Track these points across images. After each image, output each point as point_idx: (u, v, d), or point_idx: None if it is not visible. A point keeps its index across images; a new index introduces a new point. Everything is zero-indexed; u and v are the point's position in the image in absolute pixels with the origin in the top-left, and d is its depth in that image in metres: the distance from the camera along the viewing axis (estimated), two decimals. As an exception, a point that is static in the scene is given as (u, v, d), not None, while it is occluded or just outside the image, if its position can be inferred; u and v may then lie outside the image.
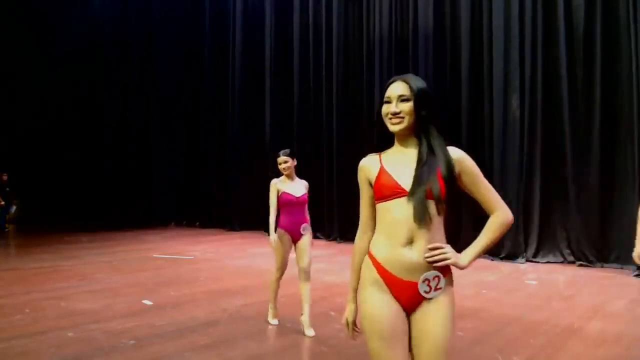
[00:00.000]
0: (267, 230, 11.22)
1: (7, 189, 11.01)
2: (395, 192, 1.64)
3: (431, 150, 1.65)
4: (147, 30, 12.43)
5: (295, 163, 3.98)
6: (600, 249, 6.64)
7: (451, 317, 1.62)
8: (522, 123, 7.14)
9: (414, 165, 1.66)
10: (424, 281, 1.59)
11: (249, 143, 11.11)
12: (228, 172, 11.45)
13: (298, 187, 3.90)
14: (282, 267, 3.91)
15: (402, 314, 1.62)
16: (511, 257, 6.99)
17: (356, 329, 1.79)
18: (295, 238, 3.85)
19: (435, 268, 1.60)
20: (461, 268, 1.63)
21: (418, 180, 1.62)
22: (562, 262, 6.82)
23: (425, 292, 1.60)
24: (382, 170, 1.69)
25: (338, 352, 3.40)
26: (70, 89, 12.43)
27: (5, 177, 10.96)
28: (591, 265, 6.56)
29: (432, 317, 1.59)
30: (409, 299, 1.61)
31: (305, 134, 9.87)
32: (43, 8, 11.96)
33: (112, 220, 11.17)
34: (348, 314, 1.81)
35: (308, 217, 3.95)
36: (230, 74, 11.53)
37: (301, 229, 3.84)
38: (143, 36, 12.38)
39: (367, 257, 1.71)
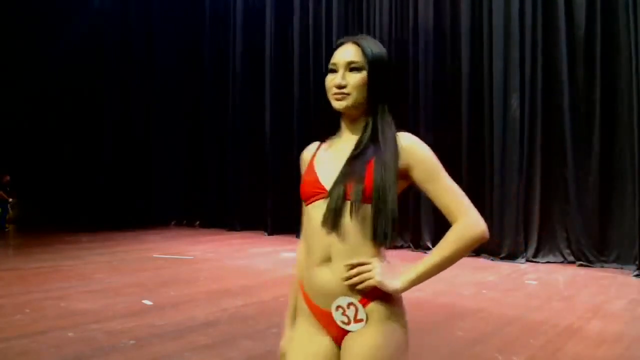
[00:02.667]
0: (266, 230, 11.21)
1: (8, 188, 11.02)
2: (314, 191, 1.26)
3: (375, 137, 1.25)
4: (147, 30, 12.43)
5: None
6: (600, 249, 6.63)
7: None
8: (522, 123, 7.13)
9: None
10: (337, 309, 1.22)
11: (249, 143, 11.11)
12: (228, 172, 11.45)
13: None
14: None
15: (333, 351, 1.26)
16: (511, 257, 6.98)
17: None
18: None
19: (359, 292, 1.20)
20: (393, 292, 1.20)
21: (342, 175, 1.23)
22: (562, 262, 6.82)
23: (344, 322, 1.22)
24: (310, 164, 1.33)
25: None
26: (70, 89, 12.43)
27: (7, 178, 10.96)
28: (591, 265, 6.55)
29: (350, 358, 1.21)
30: (335, 331, 1.25)
31: (305, 134, 9.86)
32: (43, 8, 11.96)
33: (112, 220, 11.17)
34: (283, 343, 1.42)
35: None
36: (231, 74, 11.53)
37: None
38: (143, 36, 12.38)
39: None
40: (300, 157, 1.43)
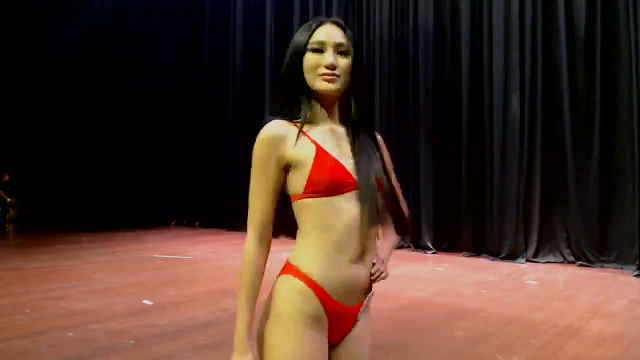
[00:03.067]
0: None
1: (8, 188, 11.02)
2: (347, 182, 1.16)
3: (365, 127, 1.25)
4: (147, 30, 12.43)
5: None
6: (600, 249, 6.63)
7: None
8: (522, 123, 7.13)
9: (346, 145, 1.21)
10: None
11: (249, 143, 11.03)
12: (228, 172, 11.46)
13: None
14: None
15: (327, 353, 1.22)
16: (511, 257, 6.98)
17: None
18: None
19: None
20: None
21: (364, 167, 1.18)
22: (562, 262, 6.82)
23: (361, 312, 1.27)
24: (320, 150, 1.17)
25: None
26: (70, 89, 12.42)
27: (7, 178, 10.96)
28: (591, 265, 6.55)
29: (360, 347, 1.25)
30: (345, 329, 1.23)
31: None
32: (43, 8, 11.96)
33: (112, 220, 11.16)
34: None
35: None
36: (231, 74, 11.54)
37: None
38: (143, 36, 12.38)
39: (295, 280, 1.22)
40: (271, 134, 1.21)
